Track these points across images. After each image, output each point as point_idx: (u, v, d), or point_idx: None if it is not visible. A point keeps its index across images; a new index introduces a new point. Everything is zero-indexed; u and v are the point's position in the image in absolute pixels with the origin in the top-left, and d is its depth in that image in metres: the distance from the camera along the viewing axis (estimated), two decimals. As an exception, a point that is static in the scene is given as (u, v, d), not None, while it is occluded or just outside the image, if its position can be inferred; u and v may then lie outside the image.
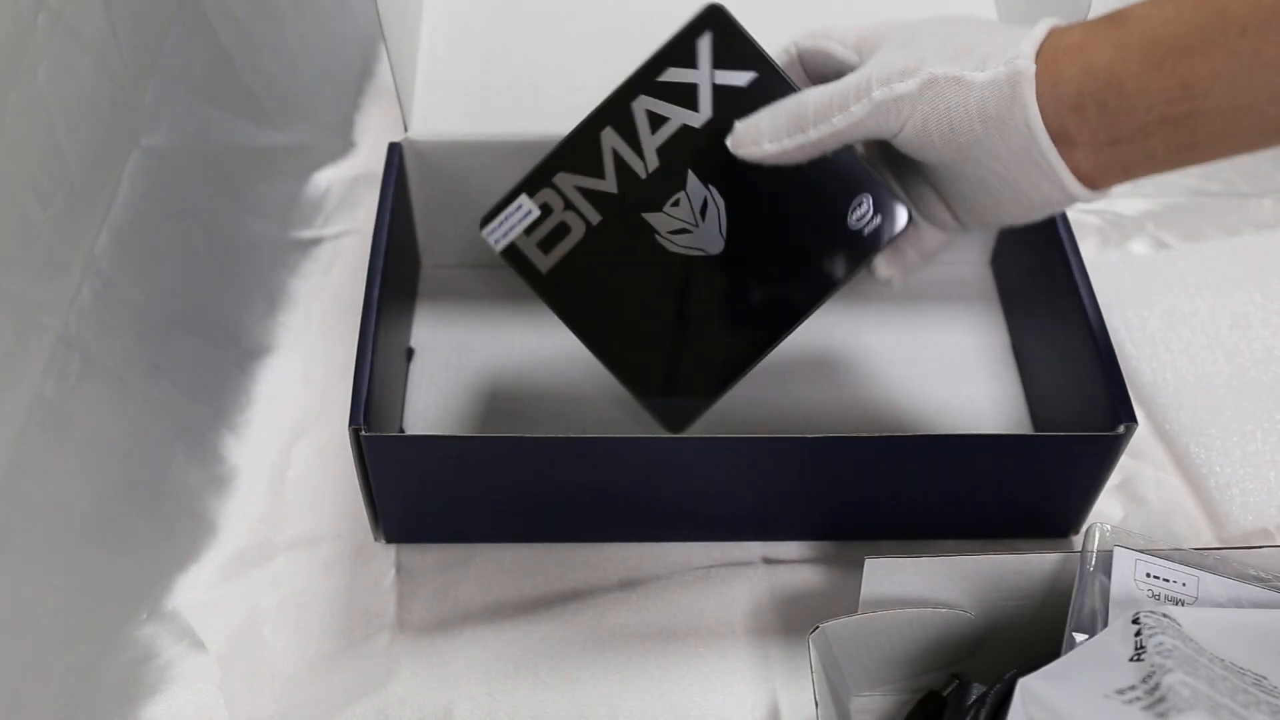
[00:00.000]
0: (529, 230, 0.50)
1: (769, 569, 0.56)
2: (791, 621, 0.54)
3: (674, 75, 0.48)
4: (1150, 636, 0.41)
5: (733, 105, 0.48)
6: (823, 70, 0.48)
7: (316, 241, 0.70)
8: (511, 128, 0.60)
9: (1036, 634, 0.47)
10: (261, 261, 0.66)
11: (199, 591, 0.55)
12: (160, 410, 0.55)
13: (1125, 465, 0.60)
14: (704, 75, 0.47)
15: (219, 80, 0.63)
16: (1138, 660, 0.40)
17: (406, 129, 0.60)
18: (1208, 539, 0.58)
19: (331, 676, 0.52)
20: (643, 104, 0.49)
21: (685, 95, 0.48)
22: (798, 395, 0.62)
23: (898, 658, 0.49)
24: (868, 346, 0.64)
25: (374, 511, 0.54)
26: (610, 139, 0.49)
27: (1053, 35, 0.42)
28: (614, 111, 0.49)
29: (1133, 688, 0.39)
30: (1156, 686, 0.38)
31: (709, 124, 0.48)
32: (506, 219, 0.50)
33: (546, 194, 0.50)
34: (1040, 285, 0.61)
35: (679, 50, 0.48)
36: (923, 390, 0.62)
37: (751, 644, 0.53)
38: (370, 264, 0.55)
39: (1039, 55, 0.41)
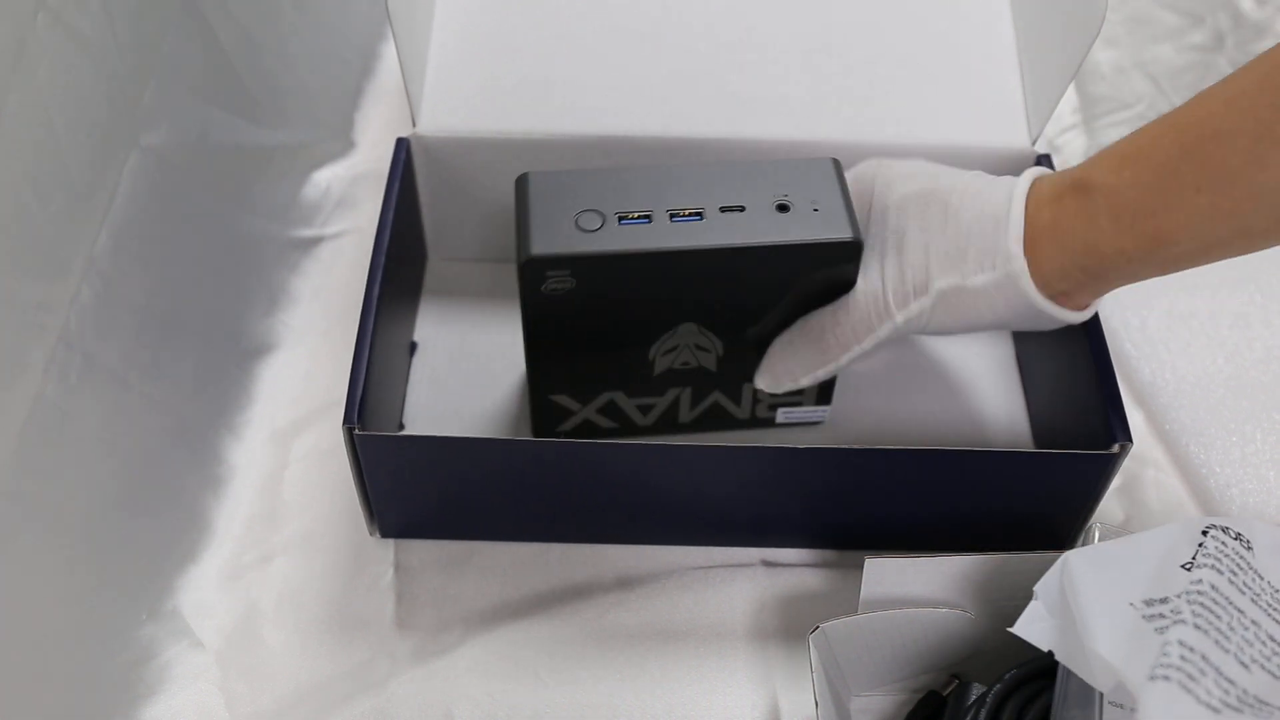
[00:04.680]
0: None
1: (769, 570, 0.56)
2: (791, 622, 0.54)
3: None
4: (1200, 566, 0.41)
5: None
6: None
7: (317, 241, 0.70)
8: (520, 125, 0.60)
9: (1036, 634, 0.47)
10: (262, 261, 0.66)
11: (199, 591, 0.55)
12: (160, 410, 0.55)
13: (1125, 466, 0.60)
14: None
15: (219, 80, 0.62)
16: (1188, 569, 0.41)
17: (415, 124, 0.60)
18: (1207, 539, 0.58)
19: (330, 676, 0.52)
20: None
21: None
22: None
23: (898, 658, 0.49)
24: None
25: (369, 508, 0.55)
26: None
27: (1028, 219, 0.46)
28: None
29: (1165, 600, 0.40)
30: (1168, 629, 0.39)
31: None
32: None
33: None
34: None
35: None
36: (926, 402, 0.62)
37: (751, 644, 0.53)
38: (372, 258, 0.55)
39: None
